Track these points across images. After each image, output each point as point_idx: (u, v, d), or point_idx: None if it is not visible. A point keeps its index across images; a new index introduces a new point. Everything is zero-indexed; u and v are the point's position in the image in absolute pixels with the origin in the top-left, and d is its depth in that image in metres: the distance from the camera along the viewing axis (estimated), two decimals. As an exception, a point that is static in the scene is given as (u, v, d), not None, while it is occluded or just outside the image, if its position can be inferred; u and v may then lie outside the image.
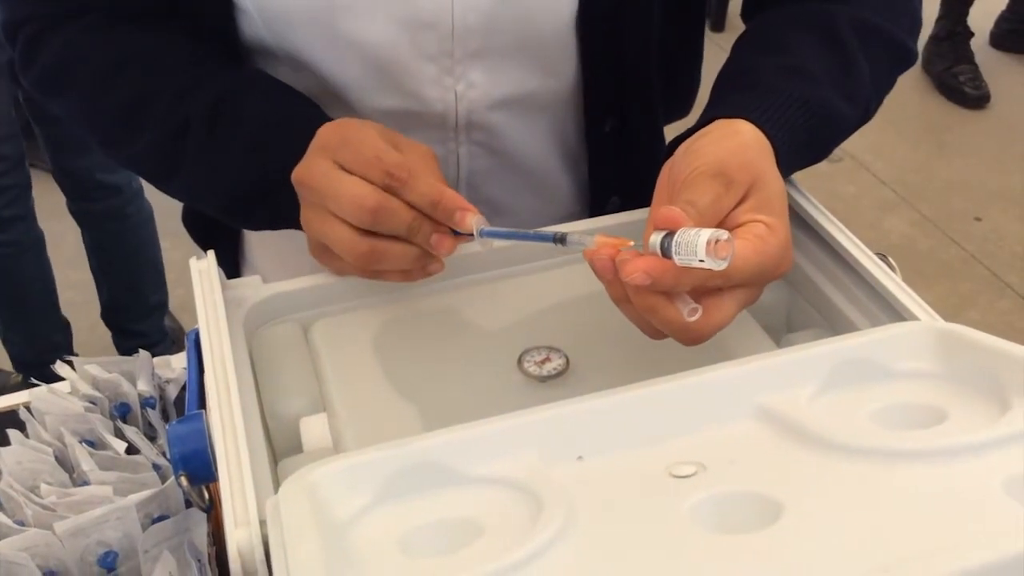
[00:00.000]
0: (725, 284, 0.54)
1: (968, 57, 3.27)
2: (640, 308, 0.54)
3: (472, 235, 0.61)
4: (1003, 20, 3.47)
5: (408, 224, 0.60)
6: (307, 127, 0.65)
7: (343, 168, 0.61)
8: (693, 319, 0.52)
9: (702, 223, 0.53)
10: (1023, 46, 3.44)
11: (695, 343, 0.55)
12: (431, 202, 0.61)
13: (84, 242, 2.19)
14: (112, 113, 0.73)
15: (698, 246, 0.49)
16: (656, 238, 0.52)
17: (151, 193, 2.15)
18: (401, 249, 0.62)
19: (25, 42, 0.74)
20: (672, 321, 0.53)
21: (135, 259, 2.20)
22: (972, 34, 3.28)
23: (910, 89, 3.29)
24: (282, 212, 0.67)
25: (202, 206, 0.76)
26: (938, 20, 3.29)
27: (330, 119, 0.67)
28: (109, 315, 2.28)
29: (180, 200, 0.76)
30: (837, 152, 3.01)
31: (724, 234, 0.50)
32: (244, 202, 0.70)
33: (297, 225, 0.66)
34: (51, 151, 2.05)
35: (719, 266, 0.50)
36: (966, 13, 3.24)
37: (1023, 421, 0.45)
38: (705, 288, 0.53)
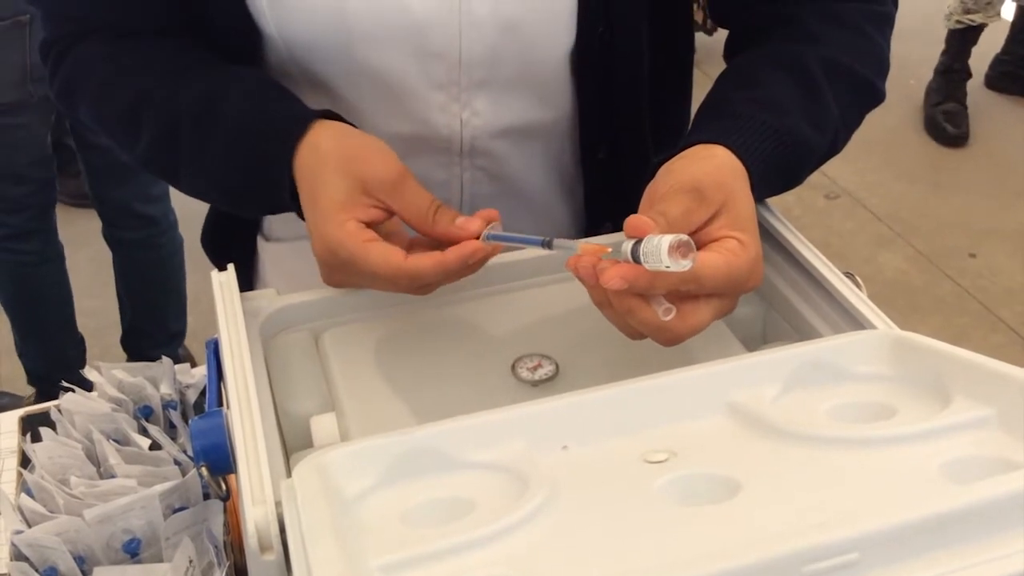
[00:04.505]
0: (699, 291, 0.58)
1: (958, 96, 3.31)
2: (619, 310, 0.58)
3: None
4: (998, 62, 3.51)
5: (436, 276, 0.65)
6: (283, 126, 0.69)
7: (365, 223, 0.66)
8: (667, 319, 0.57)
9: (670, 231, 0.57)
10: (1017, 88, 3.49)
11: (671, 343, 0.59)
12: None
13: (114, 266, 2.22)
14: (114, 117, 0.76)
15: (662, 251, 0.53)
16: (627, 246, 0.56)
17: (183, 226, 2.18)
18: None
19: (53, 60, 0.79)
20: (649, 321, 0.57)
21: (162, 287, 2.23)
22: (970, 75, 3.32)
23: (906, 128, 3.35)
24: (270, 202, 0.71)
25: (207, 200, 0.80)
26: (942, 54, 3.31)
27: (309, 109, 0.70)
28: (129, 340, 2.31)
29: (191, 196, 0.78)
30: (834, 189, 3.08)
31: (684, 236, 0.54)
32: (233, 195, 0.74)
33: (289, 209, 0.70)
34: (89, 177, 2.09)
35: (683, 267, 0.54)
36: (966, 53, 3.27)
37: (960, 414, 0.50)
38: (681, 293, 0.58)
